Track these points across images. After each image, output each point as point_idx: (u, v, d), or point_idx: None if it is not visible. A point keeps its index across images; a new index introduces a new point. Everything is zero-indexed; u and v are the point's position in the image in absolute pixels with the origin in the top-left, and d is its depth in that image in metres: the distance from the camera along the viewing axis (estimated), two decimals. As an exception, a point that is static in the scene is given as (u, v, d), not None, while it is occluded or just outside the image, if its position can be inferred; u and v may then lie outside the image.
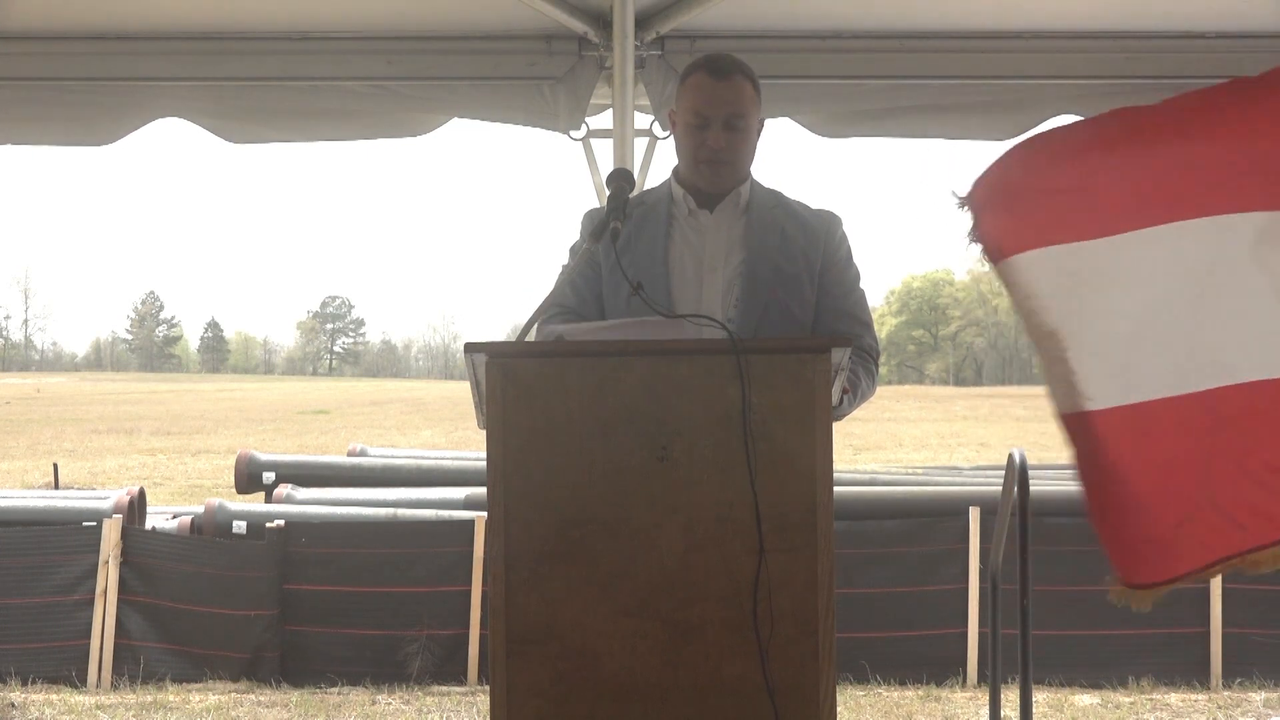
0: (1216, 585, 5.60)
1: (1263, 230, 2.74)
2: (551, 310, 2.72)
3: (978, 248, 2.88)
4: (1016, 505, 3.42)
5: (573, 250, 2.88)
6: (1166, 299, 2.78)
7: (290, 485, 6.87)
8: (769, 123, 4.65)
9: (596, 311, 2.79)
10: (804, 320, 2.79)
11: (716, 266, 2.79)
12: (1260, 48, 4.31)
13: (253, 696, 5.64)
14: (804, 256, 2.81)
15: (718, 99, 2.75)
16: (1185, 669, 5.73)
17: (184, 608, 5.86)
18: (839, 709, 2.45)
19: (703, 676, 2.22)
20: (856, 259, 2.90)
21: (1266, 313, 2.74)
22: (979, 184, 2.88)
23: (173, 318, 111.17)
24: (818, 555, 2.23)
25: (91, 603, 5.79)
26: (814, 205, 2.92)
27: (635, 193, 2.86)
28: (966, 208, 2.87)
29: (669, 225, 2.82)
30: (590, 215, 2.88)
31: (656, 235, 2.79)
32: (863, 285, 2.91)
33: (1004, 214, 2.86)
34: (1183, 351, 2.76)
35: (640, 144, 4.35)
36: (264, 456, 7.61)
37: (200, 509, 6.34)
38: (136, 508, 6.38)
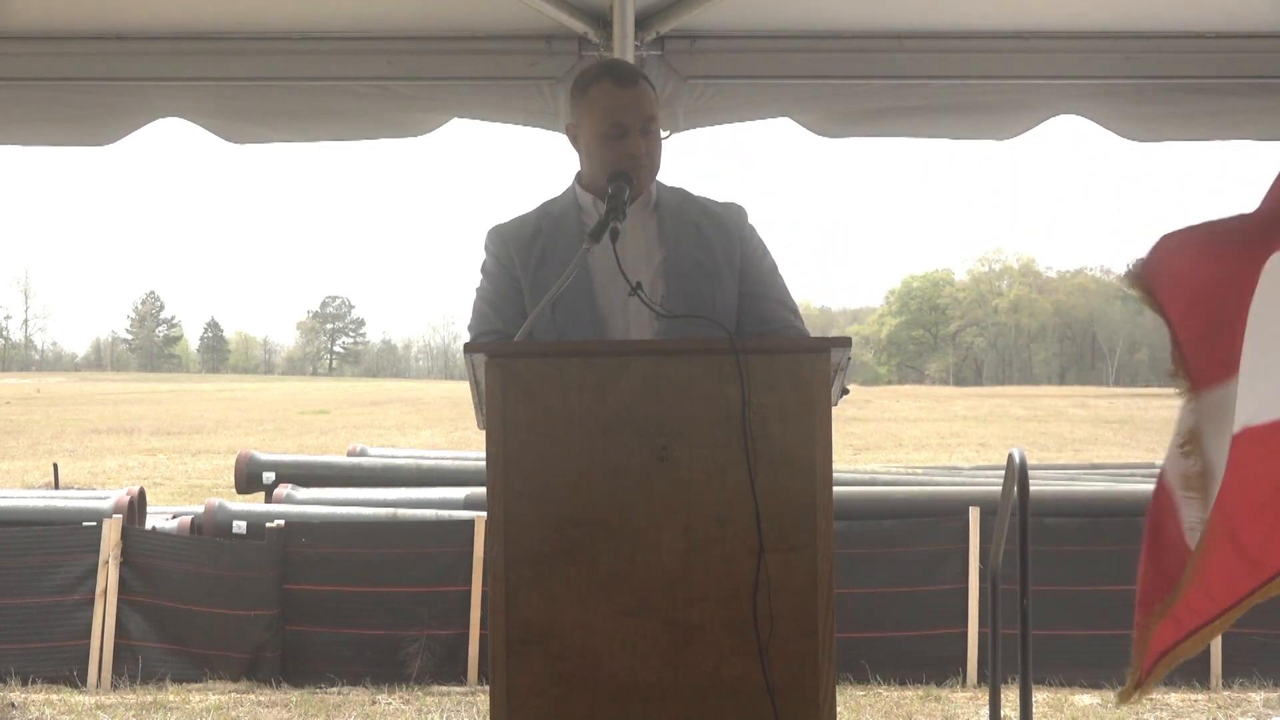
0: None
1: None
2: (482, 336, 2.74)
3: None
4: (1016, 505, 3.42)
5: (484, 270, 2.86)
6: None
7: (290, 485, 6.89)
8: (769, 123, 4.72)
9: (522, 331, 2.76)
10: (729, 311, 2.79)
11: (638, 267, 2.76)
12: (1260, 48, 4.30)
13: (253, 696, 5.64)
14: (721, 249, 2.82)
15: (633, 107, 2.77)
16: (1185, 669, 5.69)
17: (184, 608, 5.86)
18: (839, 709, 2.45)
19: (703, 677, 2.22)
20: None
21: None
22: None
23: (173, 318, 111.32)
24: (818, 555, 2.23)
25: (91, 603, 5.79)
26: (719, 199, 2.92)
27: (539, 205, 2.88)
28: None
29: (581, 234, 2.76)
30: (496, 233, 2.87)
31: (571, 246, 2.74)
32: (780, 273, 2.89)
33: None
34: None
35: (640, 144, 4.32)
36: (264, 456, 7.62)
37: (200, 509, 6.35)
38: (136, 508, 6.38)
